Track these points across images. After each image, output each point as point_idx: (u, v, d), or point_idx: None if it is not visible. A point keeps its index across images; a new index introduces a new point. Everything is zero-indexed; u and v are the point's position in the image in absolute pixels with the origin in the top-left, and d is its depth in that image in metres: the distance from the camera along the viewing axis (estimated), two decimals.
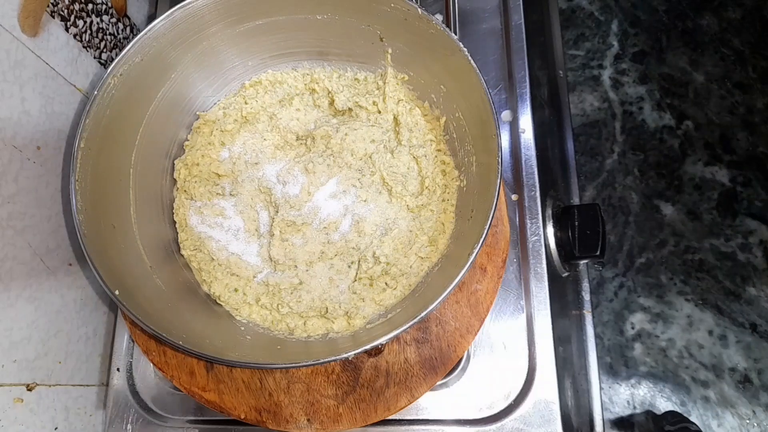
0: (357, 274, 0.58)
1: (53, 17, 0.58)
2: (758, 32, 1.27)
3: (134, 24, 0.73)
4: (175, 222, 0.63)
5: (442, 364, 0.55)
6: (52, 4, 0.57)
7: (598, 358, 0.72)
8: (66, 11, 0.59)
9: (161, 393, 0.61)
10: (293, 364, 0.47)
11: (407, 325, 0.46)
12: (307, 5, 0.58)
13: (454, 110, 0.58)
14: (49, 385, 0.57)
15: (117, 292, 0.49)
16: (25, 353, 0.53)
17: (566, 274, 0.65)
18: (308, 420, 0.55)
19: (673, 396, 1.09)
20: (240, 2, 0.56)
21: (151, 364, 0.59)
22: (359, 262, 0.59)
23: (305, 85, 0.65)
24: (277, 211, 0.61)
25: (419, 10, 0.53)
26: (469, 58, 0.51)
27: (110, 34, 0.67)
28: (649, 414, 1.08)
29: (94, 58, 0.65)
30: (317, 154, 0.62)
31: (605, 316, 1.15)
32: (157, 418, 0.60)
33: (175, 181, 0.64)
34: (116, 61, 0.53)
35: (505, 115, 0.64)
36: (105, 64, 0.66)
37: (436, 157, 0.61)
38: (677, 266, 1.16)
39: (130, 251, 0.56)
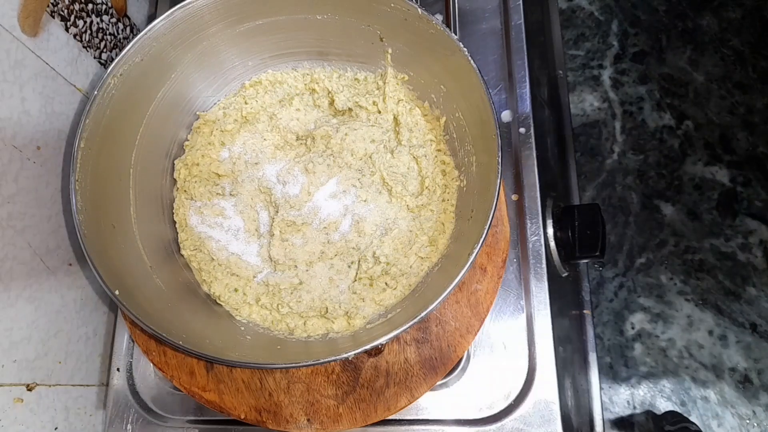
0: (357, 274, 0.58)
1: (53, 17, 0.58)
2: (758, 32, 1.27)
3: (134, 24, 0.73)
4: (175, 222, 0.63)
5: (442, 364, 0.55)
6: (52, 4, 0.57)
7: (598, 358, 0.72)
8: (66, 11, 0.59)
9: (161, 393, 0.61)
10: (293, 364, 0.47)
11: (407, 325, 0.46)
12: (307, 5, 0.58)
13: (454, 110, 0.58)
14: (49, 385, 0.57)
15: (117, 292, 0.49)
16: (25, 353, 0.53)
17: (566, 274, 0.65)
18: (308, 420, 0.55)
19: (673, 396, 1.09)
20: (240, 2, 0.56)
21: (151, 364, 0.59)
22: (359, 262, 0.59)
23: (305, 85, 0.65)
24: (277, 211, 0.61)
25: (419, 10, 0.53)
26: (469, 58, 0.51)
27: (110, 34, 0.67)
28: (649, 414, 1.08)
29: (94, 58, 0.65)
30: (317, 154, 0.62)
31: (605, 316, 1.15)
32: (157, 418, 0.60)
33: (175, 181, 0.64)
34: (116, 61, 0.53)
35: (505, 115, 0.64)
36: (105, 64, 0.67)
37: (436, 157, 0.61)
38: (677, 266, 1.16)
39: (130, 251, 0.56)
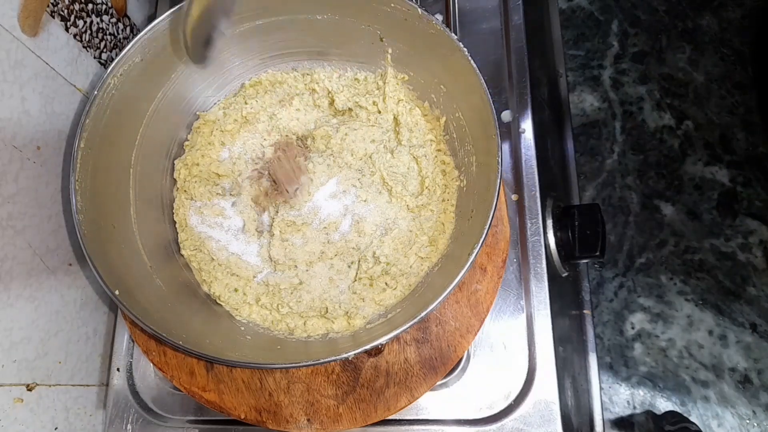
0: (357, 274, 0.58)
1: (53, 17, 0.58)
2: (758, 32, 1.26)
3: (134, 24, 0.73)
4: (175, 222, 0.63)
5: (442, 364, 0.55)
6: (52, 4, 0.57)
7: (598, 358, 0.72)
8: (66, 11, 0.59)
9: (161, 393, 0.61)
10: (293, 364, 0.47)
11: (407, 325, 0.46)
12: (307, 5, 0.58)
13: (454, 110, 0.58)
14: (49, 385, 0.57)
15: (117, 292, 0.49)
16: (25, 353, 0.53)
17: (566, 274, 0.65)
18: (308, 420, 0.55)
19: (673, 396, 1.09)
20: (240, 2, 0.56)
21: (151, 364, 0.59)
22: (359, 262, 0.59)
23: (305, 85, 0.65)
24: (277, 211, 0.61)
25: (419, 10, 0.53)
26: (469, 58, 0.51)
27: (110, 34, 0.67)
28: (649, 414, 1.08)
29: (94, 58, 0.65)
30: (317, 154, 0.62)
31: (605, 316, 1.15)
32: (157, 418, 0.60)
33: (175, 181, 0.64)
34: (116, 61, 0.53)
35: (505, 115, 0.64)
36: (105, 64, 0.66)
37: (436, 157, 0.61)
38: (677, 266, 1.16)
39: (130, 251, 0.56)
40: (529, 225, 0.60)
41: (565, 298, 0.71)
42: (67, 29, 0.60)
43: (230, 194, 0.63)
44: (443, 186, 0.60)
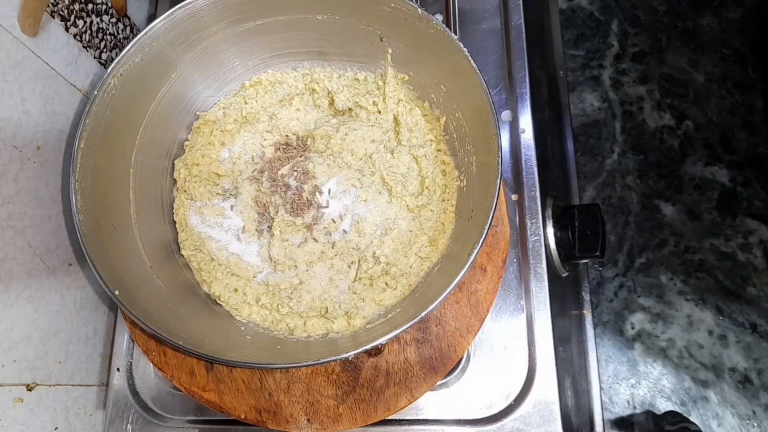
0: (357, 274, 0.58)
1: (53, 17, 0.57)
2: (758, 32, 1.26)
3: (134, 24, 0.73)
4: (175, 222, 0.63)
5: (442, 364, 0.55)
6: (52, 4, 0.57)
7: (598, 357, 0.72)
8: (66, 11, 0.59)
9: (161, 393, 0.61)
10: (293, 364, 0.47)
11: (407, 325, 0.46)
12: (307, 5, 0.58)
13: (454, 110, 0.58)
14: (49, 385, 0.57)
15: (117, 292, 0.49)
16: (25, 353, 0.53)
17: (566, 274, 0.65)
18: (308, 420, 0.55)
19: (673, 396, 1.09)
20: (240, 2, 0.56)
21: (151, 364, 0.59)
22: (359, 262, 0.59)
23: (305, 85, 0.65)
24: (278, 211, 0.61)
25: (419, 10, 0.53)
26: (469, 58, 0.51)
27: (110, 34, 0.67)
28: (649, 414, 1.08)
29: (94, 58, 0.65)
30: (317, 154, 0.62)
31: (605, 316, 1.15)
32: (157, 418, 0.60)
33: (175, 181, 0.64)
34: (116, 61, 0.53)
35: (505, 115, 0.64)
36: (105, 64, 0.66)
37: (436, 157, 0.61)
38: (677, 266, 1.16)
39: (130, 251, 0.56)
40: (529, 225, 0.60)
41: (565, 298, 0.71)
42: (67, 29, 0.60)
43: (230, 194, 0.63)
44: (443, 186, 0.60)
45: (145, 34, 0.54)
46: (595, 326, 0.74)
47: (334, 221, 0.60)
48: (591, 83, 1.29)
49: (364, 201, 0.60)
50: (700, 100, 1.24)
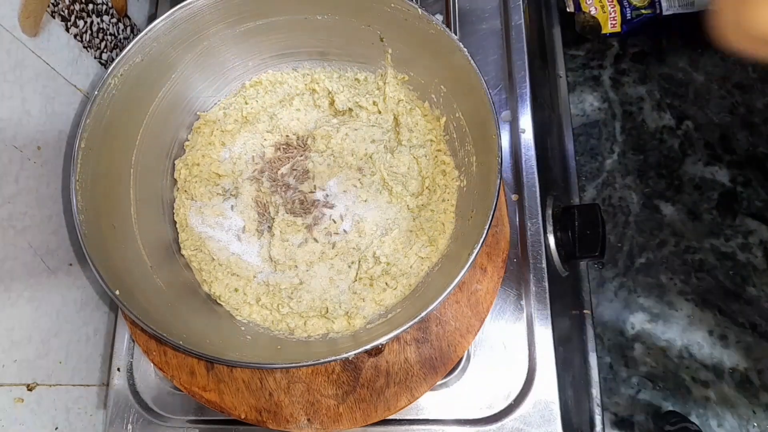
0: (357, 274, 0.59)
1: (53, 17, 0.58)
2: None
3: (134, 24, 0.73)
4: (175, 222, 0.63)
5: (442, 364, 0.55)
6: (52, 4, 0.57)
7: (598, 358, 0.72)
8: (66, 11, 0.59)
9: (162, 393, 0.61)
10: (293, 364, 0.47)
11: (407, 325, 0.46)
12: (308, 6, 0.58)
13: (454, 110, 0.58)
14: (50, 385, 0.57)
15: (117, 292, 0.49)
16: (25, 353, 0.53)
17: (566, 274, 0.65)
18: (308, 420, 0.55)
19: (673, 396, 1.09)
20: (240, 2, 0.57)
21: (152, 364, 0.59)
22: (359, 262, 0.59)
23: (305, 85, 0.65)
24: (278, 211, 0.61)
25: (419, 10, 0.53)
26: (469, 58, 0.51)
27: (111, 34, 0.67)
28: (649, 414, 1.08)
29: (95, 58, 0.65)
30: (317, 154, 0.62)
31: (605, 316, 1.15)
32: (158, 418, 0.61)
33: (175, 181, 0.64)
34: (117, 61, 0.53)
35: (505, 115, 0.64)
36: (105, 65, 0.67)
37: (436, 157, 0.61)
38: (677, 266, 1.16)
39: (131, 251, 0.56)
40: (529, 225, 0.60)
41: (565, 298, 0.71)
42: (67, 29, 0.60)
43: (230, 194, 0.63)
44: (443, 186, 0.60)
45: (146, 34, 0.54)
46: (595, 326, 0.74)
47: (334, 221, 0.61)
48: (591, 83, 1.29)
49: (365, 201, 0.60)
50: (700, 100, 1.24)
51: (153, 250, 0.58)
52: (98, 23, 0.65)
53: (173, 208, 0.63)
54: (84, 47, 0.63)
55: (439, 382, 0.56)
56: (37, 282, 0.55)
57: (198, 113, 0.65)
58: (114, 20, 0.68)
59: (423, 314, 0.46)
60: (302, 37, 0.61)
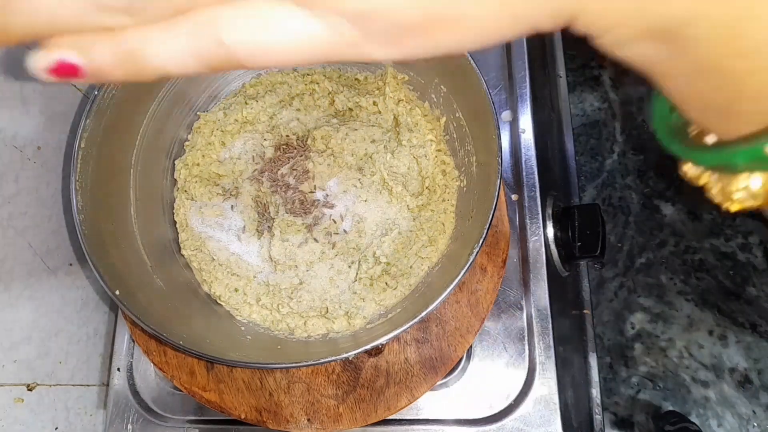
0: (357, 274, 0.59)
1: None
2: None
3: None
4: (175, 222, 0.63)
5: (442, 364, 0.55)
6: None
7: (598, 358, 0.72)
8: None
9: (162, 393, 0.61)
10: (293, 364, 0.47)
11: (407, 325, 0.46)
12: None
13: (454, 110, 0.58)
14: (50, 385, 0.57)
15: (117, 292, 0.49)
16: (25, 353, 0.53)
17: (566, 274, 0.65)
18: (309, 420, 0.55)
19: (673, 396, 1.09)
20: None
21: (152, 364, 0.59)
22: (359, 262, 0.59)
23: (305, 85, 0.65)
24: (278, 211, 0.61)
25: None
26: (469, 58, 0.51)
27: None
28: (649, 414, 1.08)
29: None
30: (317, 154, 0.62)
31: (605, 316, 1.15)
32: (158, 418, 0.61)
33: (175, 181, 0.64)
34: None
35: (505, 115, 0.64)
36: None
37: (436, 157, 0.61)
38: (677, 266, 1.16)
39: (131, 251, 0.56)
40: (529, 225, 0.60)
41: (565, 298, 0.71)
42: None
43: (230, 194, 0.63)
44: (443, 186, 0.60)
45: None
46: (595, 326, 0.74)
47: (334, 221, 0.61)
48: (591, 83, 1.29)
49: (365, 201, 0.60)
50: None
51: (153, 250, 0.58)
52: None
53: (173, 208, 0.63)
54: None
55: (439, 382, 0.56)
56: (37, 282, 0.55)
57: (198, 113, 0.65)
58: None
59: (423, 314, 0.46)
60: None
